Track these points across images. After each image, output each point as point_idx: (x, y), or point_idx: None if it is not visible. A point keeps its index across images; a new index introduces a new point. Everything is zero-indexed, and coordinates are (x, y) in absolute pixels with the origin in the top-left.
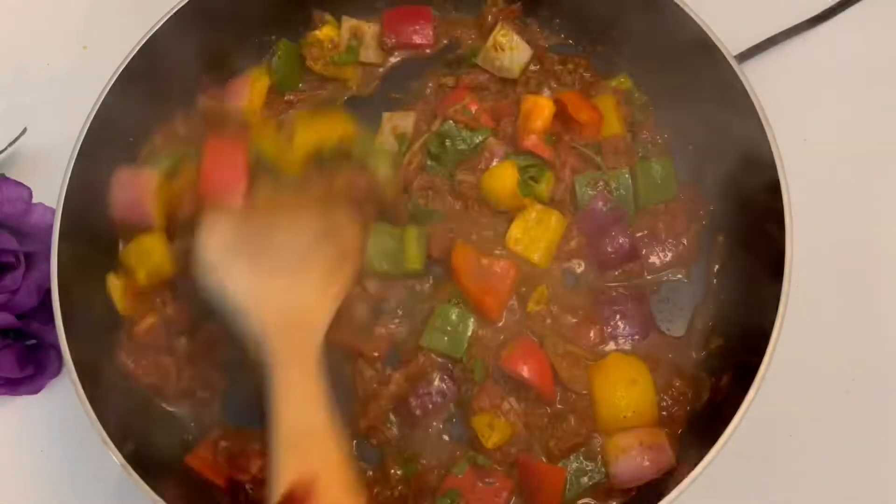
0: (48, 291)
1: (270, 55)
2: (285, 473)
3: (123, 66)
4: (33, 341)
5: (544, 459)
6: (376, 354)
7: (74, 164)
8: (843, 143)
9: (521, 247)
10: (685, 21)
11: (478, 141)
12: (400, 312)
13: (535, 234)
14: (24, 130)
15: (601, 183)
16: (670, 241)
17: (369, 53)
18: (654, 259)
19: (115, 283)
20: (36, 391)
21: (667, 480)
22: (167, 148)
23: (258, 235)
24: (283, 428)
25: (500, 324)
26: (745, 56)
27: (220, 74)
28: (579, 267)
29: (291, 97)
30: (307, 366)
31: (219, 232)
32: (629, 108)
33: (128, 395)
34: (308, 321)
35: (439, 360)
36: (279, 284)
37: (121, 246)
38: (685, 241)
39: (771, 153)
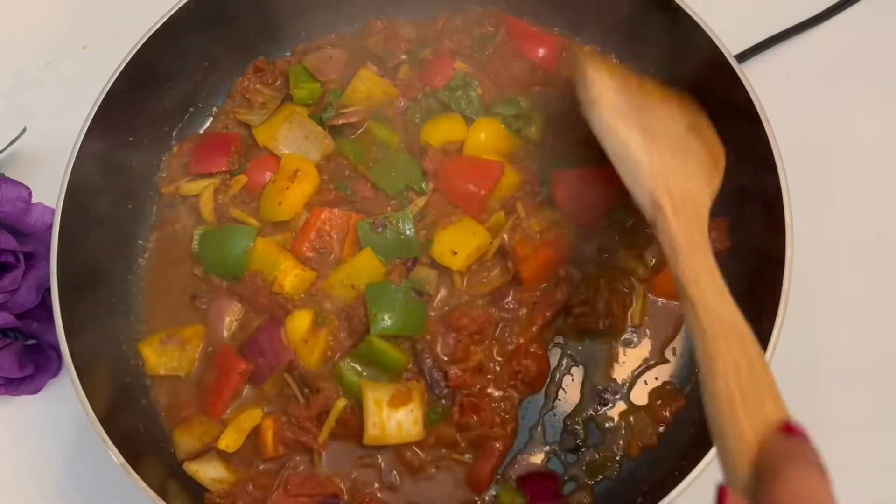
0: (48, 291)
1: None
2: (719, 364)
3: (123, 66)
4: (33, 341)
5: None
6: None
7: (74, 164)
8: (843, 142)
9: None
10: (685, 20)
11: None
12: None
13: None
14: (24, 130)
15: None
16: None
17: None
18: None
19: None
20: (36, 391)
21: (667, 480)
22: None
23: (639, 108)
24: (703, 315)
25: None
26: (745, 56)
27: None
28: None
29: None
30: (704, 252)
31: (608, 88)
32: None
33: (128, 395)
34: (695, 206)
35: None
36: (666, 158)
37: None
38: None
39: (771, 153)
